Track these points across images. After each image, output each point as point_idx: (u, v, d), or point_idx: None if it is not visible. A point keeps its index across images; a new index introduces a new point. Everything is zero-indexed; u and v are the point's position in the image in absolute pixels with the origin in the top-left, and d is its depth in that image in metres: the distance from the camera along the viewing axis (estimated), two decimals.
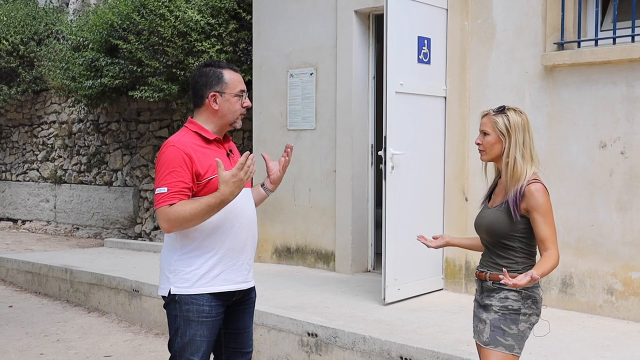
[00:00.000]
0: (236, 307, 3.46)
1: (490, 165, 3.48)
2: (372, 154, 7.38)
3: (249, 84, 9.09)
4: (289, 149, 3.67)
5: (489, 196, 3.47)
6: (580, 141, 5.67)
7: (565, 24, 5.77)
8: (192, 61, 8.81)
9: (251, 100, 8.47)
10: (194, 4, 8.97)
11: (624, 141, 5.48)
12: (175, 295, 3.33)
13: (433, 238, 3.64)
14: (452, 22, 6.42)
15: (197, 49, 8.77)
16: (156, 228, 10.60)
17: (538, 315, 3.31)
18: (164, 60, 9.23)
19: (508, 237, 3.26)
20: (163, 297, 3.42)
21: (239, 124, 3.44)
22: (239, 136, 9.73)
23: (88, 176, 12.04)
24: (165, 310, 3.46)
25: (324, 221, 7.51)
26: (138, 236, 10.85)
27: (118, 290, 6.99)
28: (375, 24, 7.33)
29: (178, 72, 9.08)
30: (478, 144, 3.36)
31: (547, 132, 5.81)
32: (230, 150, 3.47)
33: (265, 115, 8.11)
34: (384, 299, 5.96)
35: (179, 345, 3.33)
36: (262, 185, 3.74)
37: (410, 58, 6.14)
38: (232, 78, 3.38)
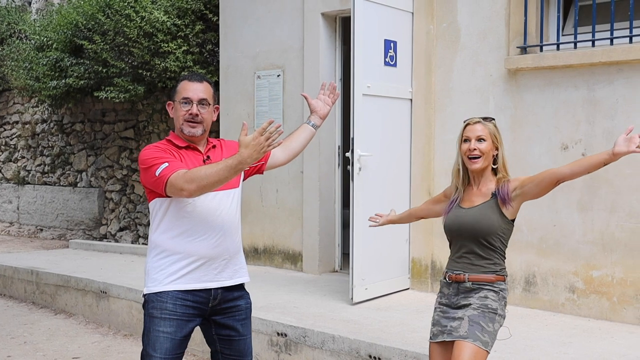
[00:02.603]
0: (221, 315, 3.50)
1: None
2: (339, 155, 7.45)
3: (215, 84, 9.12)
4: (333, 88, 3.90)
5: (457, 202, 3.55)
6: (542, 143, 5.80)
7: (528, 28, 5.90)
8: (158, 62, 8.81)
9: (219, 102, 8.51)
10: (159, 5, 8.97)
11: (585, 143, 5.62)
12: (145, 295, 3.45)
13: (372, 220, 4.06)
14: (418, 25, 6.53)
15: (164, 50, 8.78)
16: (122, 229, 10.57)
17: (504, 318, 3.44)
18: (130, 61, 9.21)
19: (493, 236, 3.36)
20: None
21: (186, 131, 3.45)
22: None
23: (52, 177, 11.95)
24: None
25: (292, 222, 7.57)
26: (103, 237, 10.80)
27: (85, 291, 6.98)
28: (342, 26, 7.42)
29: (144, 73, 9.07)
30: (473, 150, 3.41)
31: (510, 134, 5.93)
32: (208, 157, 3.51)
33: (233, 116, 8.15)
34: (352, 298, 6.04)
35: (145, 342, 3.43)
36: (309, 123, 3.83)
37: (377, 61, 6.23)
38: (182, 86, 3.49)
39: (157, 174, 3.27)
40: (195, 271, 3.40)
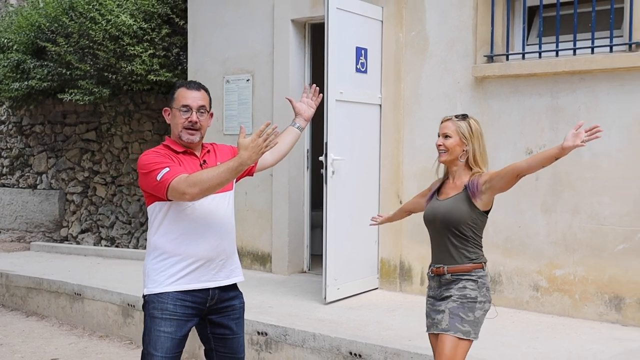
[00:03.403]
0: (217, 314, 3.63)
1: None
2: (307, 158, 7.62)
3: None
4: (316, 90, 4.12)
5: (436, 193, 3.79)
6: (508, 148, 6.06)
7: (494, 38, 6.15)
8: (124, 65, 8.86)
9: None
10: (125, 8, 9.03)
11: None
12: (145, 295, 3.56)
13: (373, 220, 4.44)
14: (387, 33, 6.74)
15: (129, 53, 8.84)
16: (83, 231, 10.56)
17: (490, 302, 3.66)
18: (95, 64, 9.24)
19: (463, 225, 3.58)
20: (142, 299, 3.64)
21: (185, 138, 3.57)
22: None
23: (10, 179, 11.85)
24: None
25: (261, 224, 7.72)
26: (64, 240, 10.78)
27: (59, 293, 7.02)
28: (311, 33, 7.59)
29: (110, 76, 9.12)
30: (439, 145, 3.66)
31: None
32: (204, 161, 3.65)
33: None
34: (325, 298, 6.22)
35: (146, 341, 3.54)
36: (294, 125, 4.00)
37: (349, 68, 6.43)
38: (180, 94, 3.60)
39: (158, 178, 3.37)
40: (194, 272, 3.53)
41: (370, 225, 4.40)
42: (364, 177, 6.65)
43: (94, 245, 10.24)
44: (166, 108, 3.65)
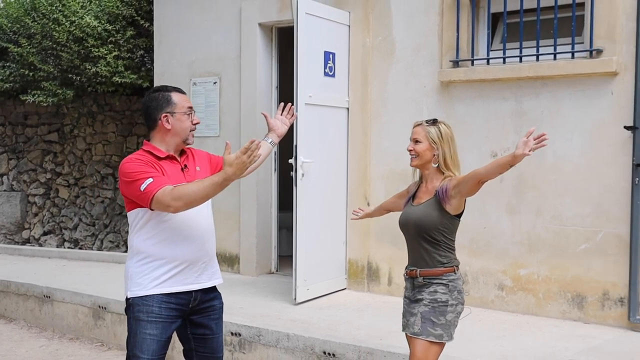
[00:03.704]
0: (199, 314, 3.71)
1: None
2: (275, 160, 7.70)
3: (148, 90, 9.20)
4: (291, 109, 4.14)
5: (412, 198, 3.91)
6: (474, 151, 6.21)
7: (460, 43, 6.30)
8: (89, 67, 8.84)
9: None
10: (90, 10, 9.01)
11: (513, 151, 6.05)
12: (129, 298, 3.61)
13: (355, 213, 4.39)
14: (354, 38, 6.86)
15: (94, 55, 8.82)
16: (46, 233, 10.49)
17: (463, 304, 3.78)
18: (58, 65, 9.20)
19: (434, 230, 3.70)
20: (125, 302, 3.68)
21: (191, 140, 3.72)
22: (134, 141, 9.82)
23: None
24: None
25: (229, 225, 7.77)
26: (26, 242, 10.69)
27: (27, 296, 7.00)
28: (278, 36, 7.68)
29: (74, 77, 9.08)
30: (410, 150, 3.78)
31: None
32: (185, 166, 3.71)
33: None
34: (295, 298, 6.31)
35: (131, 344, 3.59)
36: (267, 140, 4.04)
37: (318, 71, 6.53)
38: (179, 98, 3.67)
39: (142, 189, 3.42)
40: (178, 275, 3.60)
41: (352, 219, 4.47)
42: (332, 179, 6.75)
43: (57, 247, 10.17)
44: (165, 114, 3.61)
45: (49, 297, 6.77)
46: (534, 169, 5.91)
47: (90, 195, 10.12)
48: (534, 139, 3.36)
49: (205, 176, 3.70)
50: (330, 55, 6.67)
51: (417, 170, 3.93)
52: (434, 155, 3.77)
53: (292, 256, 8.08)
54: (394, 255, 6.63)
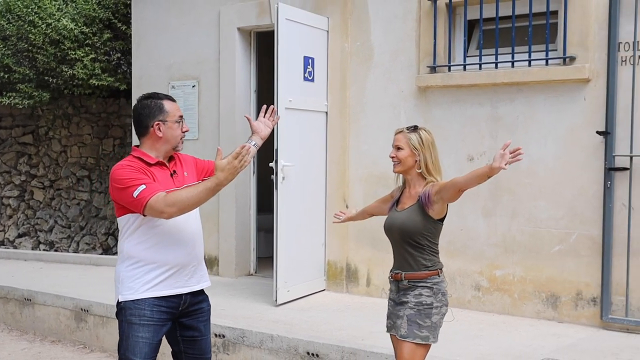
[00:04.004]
0: (188, 317, 3.81)
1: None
2: (254, 163, 7.79)
3: (127, 93, 9.25)
4: (273, 111, 4.17)
5: (396, 203, 4.03)
6: (450, 155, 6.35)
7: (437, 49, 6.44)
8: (65, 69, 8.86)
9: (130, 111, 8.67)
10: (66, 12, 9.02)
11: (489, 155, 6.22)
12: (121, 302, 3.69)
13: (337, 216, 4.51)
14: (333, 43, 6.97)
15: (70, 57, 8.84)
16: (20, 235, 10.46)
17: (446, 305, 3.91)
18: (34, 67, 9.20)
19: (418, 235, 3.82)
20: (116, 306, 3.75)
21: (180, 147, 3.82)
22: (110, 143, 9.85)
23: None
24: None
25: (207, 228, 7.80)
26: (0, 244, 10.65)
27: (7, 299, 7.01)
28: (256, 40, 7.76)
29: (50, 80, 9.09)
30: (392, 157, 3.90)
31: None
32: (174, 171, 3.80)
33: None
34: (276, 300, 6.41)
35: (124, 347, 3.67)
36: (250, 142, 4.03)
37: (297, 76, 6.63)
38: (171, 107, 3.76)
39: (135, 195, 3.50)
40: (169, 279, 3.69)
41: (334, 222, 4.58)
42: (311, 182, 6.86)
43: (32, 249, 10.15)
44: (158, 122, 3.69)
45: (30, 300, 6.79)
46: (509, 173, 6.01)
47: (66, 198, 10.12)
48: (510, 153, 3.46)
49: (193, 181, 3.81)
50: (310, 60, 6.77)
51: (400, 175, 4.04)
52: (416, 161, 3.89)
53: (270, 258, 8.18)
54: (372, 257, 6.76)
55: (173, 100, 3.81)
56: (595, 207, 5.77)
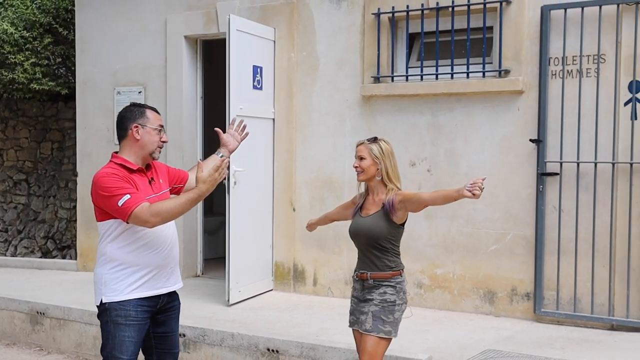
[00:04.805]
0: (163, 313, 4.06)
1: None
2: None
3: (66, 97, 9.31)
4: (243, 126, 4.45)
5: (360, 209, 4.35)
6: None
7: (380, 60, 6.80)
8: (6, 73, 8.87)
9: (75, 115, 8.75)
10: (5, 16, 9.03)
11: (430, 161, 6.62)
12: (105, 303, 3.90)
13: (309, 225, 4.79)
14: (280, 53, 7.25)
15: (11, 61, 8.86)
16: None
17: (406, 303, 4.27)
18: None
19: (383, 239, 4.15)
20: (97, 307, 3.96)
21: (157, 155, 4.04)
22: (48, 147, 9.86)
23: None
24: (98, 320, 4.00)
25: None
26: None
27: None
28: (203, 48, 7.98)
29: None
30: (356, 167, 4.23)
31: None
32: (152, 179, 4.03)
33: (90, 129, 8.43)
34: (228, 300, 6.66)
35: (110, 346, 3.89)
36: (218, 154, 4.32)
37: (247, 85, 6.89)
38: (153, 115, 4.01)
39: (119, 204, 3.72)
40: (150, 280, 3.93)
41: (311, 231, 4.85)
42: (260, 186, 7.13)
43: None
44: (136, 124, 3.91)
45: None
46: (449, 177, 6.49)
47: (2, 201, 10.09)
48: (471, 183, 3.78)
49: (166, 189, 4.06)
50: (259, 69, 7.04)
51: (363, 183, 4.36)
52: (378, 169, 4.22)
53: (215, 259, 8.43)
54: (319, 258, 7.08)
55: (157, 111, 4.03)
56: (529, 209, 6.23)
